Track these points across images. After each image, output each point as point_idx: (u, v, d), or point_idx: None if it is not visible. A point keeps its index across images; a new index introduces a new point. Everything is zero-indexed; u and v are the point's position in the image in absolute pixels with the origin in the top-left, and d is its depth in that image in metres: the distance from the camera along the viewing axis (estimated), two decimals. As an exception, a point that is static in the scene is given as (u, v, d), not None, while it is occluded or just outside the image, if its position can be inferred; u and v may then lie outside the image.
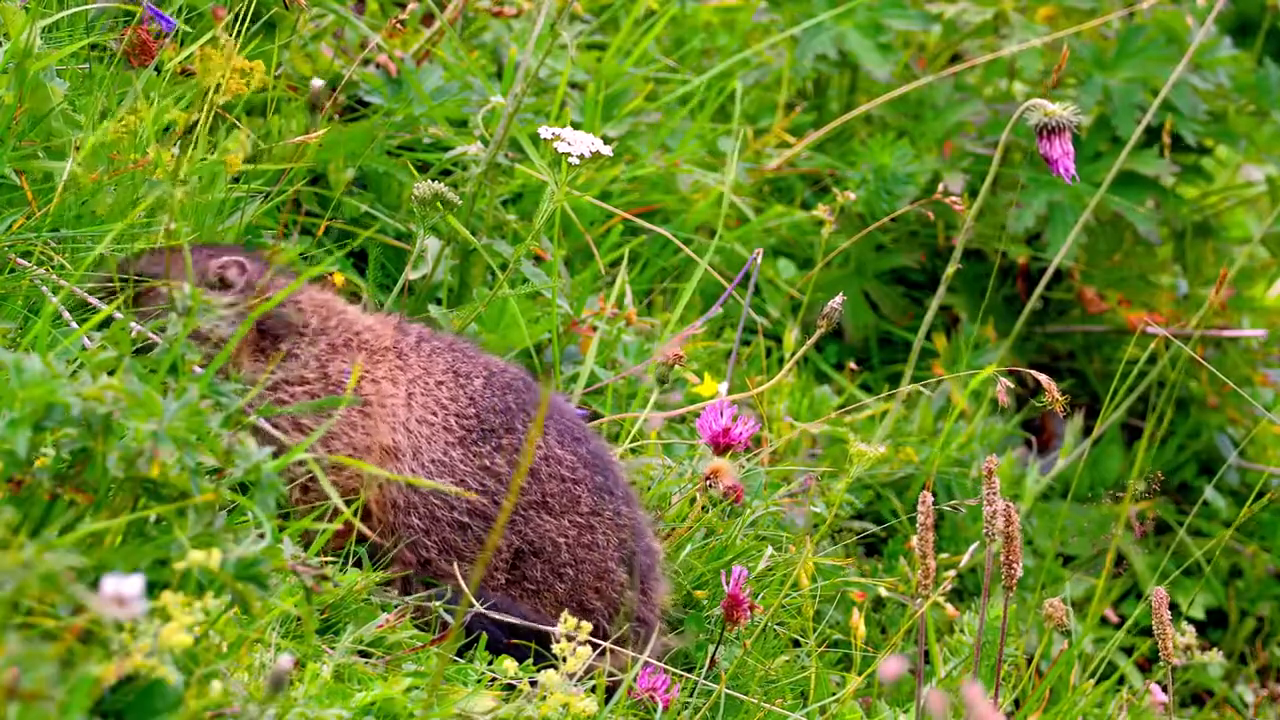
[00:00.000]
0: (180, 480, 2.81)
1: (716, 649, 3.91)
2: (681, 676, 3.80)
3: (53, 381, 2.77)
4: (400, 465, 3.78)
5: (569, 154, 4.16)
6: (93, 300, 3.74)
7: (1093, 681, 4.21)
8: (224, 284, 3.86)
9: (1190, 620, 5.74)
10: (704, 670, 3.91)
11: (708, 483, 4.17)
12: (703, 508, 4.22)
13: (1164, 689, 4.06)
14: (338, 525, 3.60)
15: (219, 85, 4.03)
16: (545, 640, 3.65)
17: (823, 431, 5.15)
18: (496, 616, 3.66)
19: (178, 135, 4.08)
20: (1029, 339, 6.14)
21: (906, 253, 5.96)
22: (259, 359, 3.83)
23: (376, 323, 3.93)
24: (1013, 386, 5.84)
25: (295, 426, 3.77)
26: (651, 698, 3.70)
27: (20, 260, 3.72)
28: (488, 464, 3.78)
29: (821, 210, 5.00)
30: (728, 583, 3.86)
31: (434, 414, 3.81)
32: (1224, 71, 5.85)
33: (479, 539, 3.76)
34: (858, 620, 4.32)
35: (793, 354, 4.66)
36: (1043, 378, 4.27)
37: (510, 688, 3.45)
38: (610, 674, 3.70)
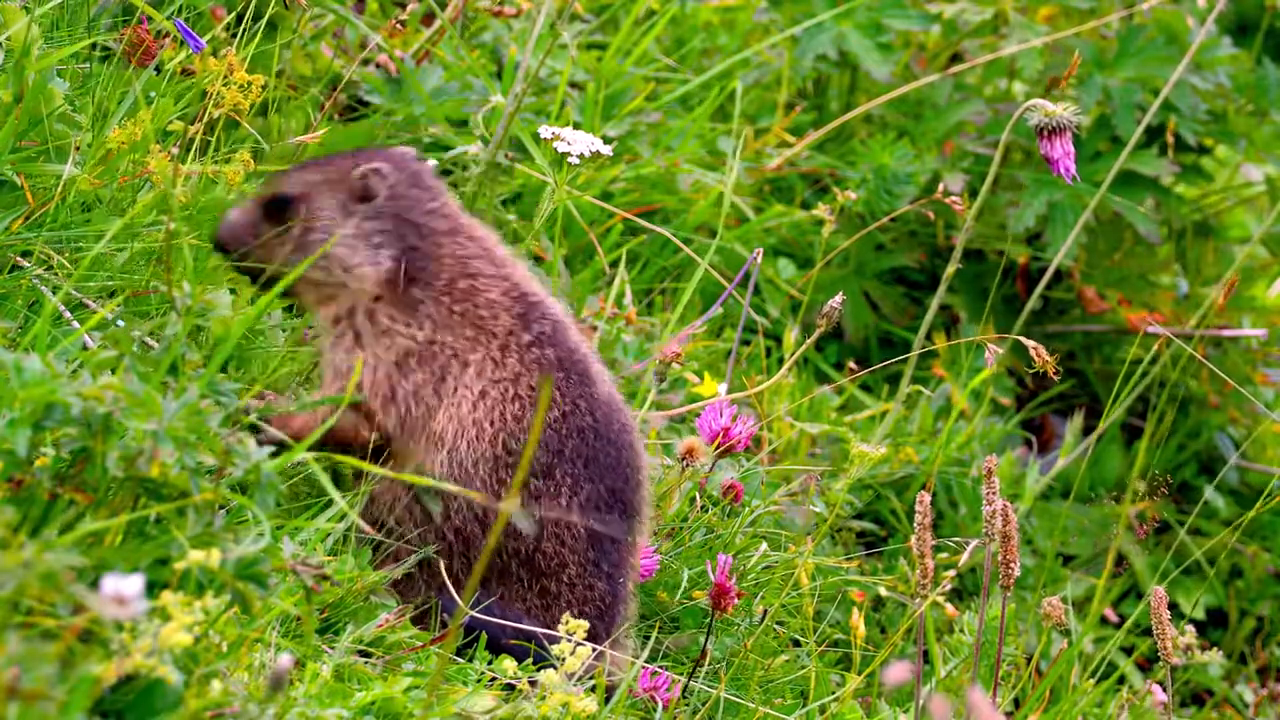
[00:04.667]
0: (180, 480, 2.81)
1: (707, 639, 3.91)
2: (679, 680, 3.80)
3: (53, 381, 2.77)
4: (435, 455, 3.67)
5: (569, 153, 4.16)
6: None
7: (1093, 681, 4.21)
8: (366, 195, 3.72)
9: (1190, 620, 5.74)
10: (695, 663, 3.90)
11: (684, 462, 4.17)
12: (702, 507, 4.23)
13: (1164, 689, 4.06)
14: (334, 524, 3.59)
15: (219, 97, 4.02)
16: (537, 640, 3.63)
17: (823, 431, 5.15)
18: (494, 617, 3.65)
19: (179, 138, 4.09)
20: (1029, 339, 6.14)
21: (906, 252, 5.96)
22: (401, 299, 3.70)
23: (502, 299, 3.74)
24: (1014, 386, 5.84)
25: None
26: (652, 698, 3.70)
27: (21, 260, 3.73)
28: (501, 495, 3.65)
29: (821, 210, 5.00)
30: (713, 572, 3.85)
31: (491, 424, 3.66)
32: (1224, 71, 5.85)
33: (459, 556, 3.69)
34: (857, 620, 4.32)
35: (792, 354, 4.66)
36: (1029, 343, 4.27)
37: (510, 687, 3.45)
38: (610, 673, 3.70)
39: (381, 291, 3.69)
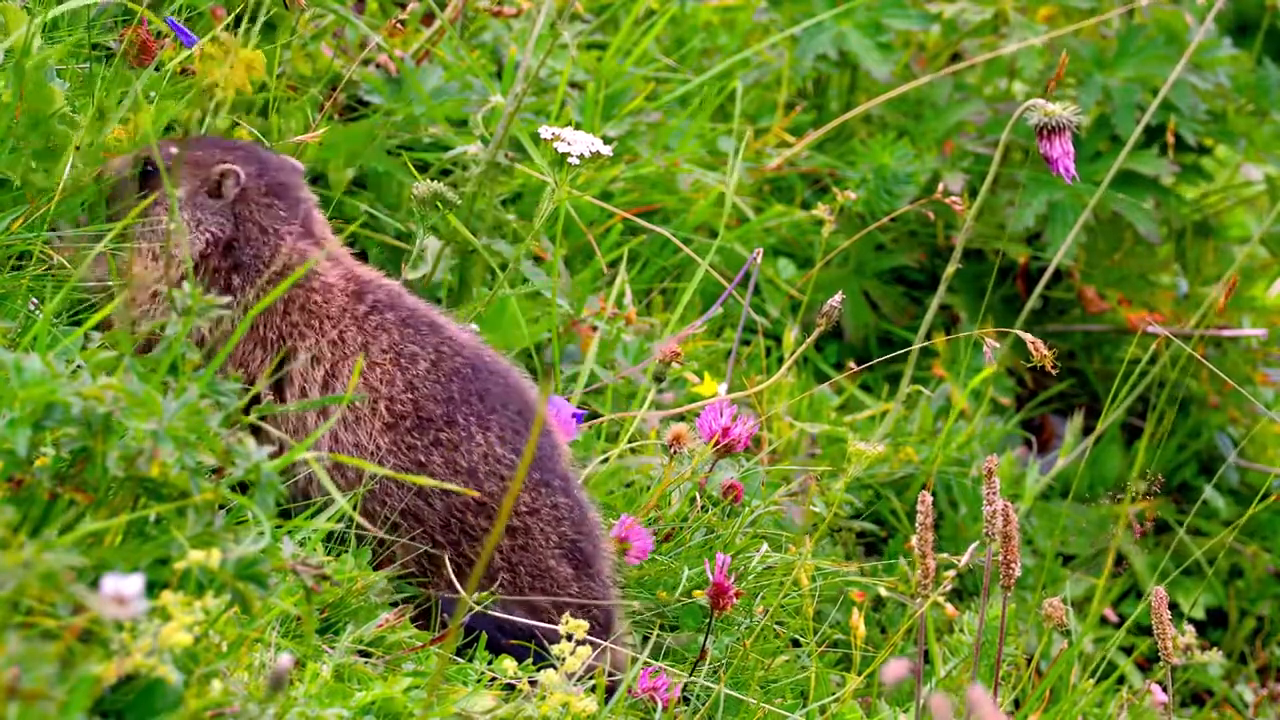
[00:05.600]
0: (180, 480, 2.81)
1: (706, 638, 3.91)
2: (681, 678, 3.80)
3: (53, 381, 2.77)
4: (314, 448, 3.65)
5: (569, 154, 4.16)
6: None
7: (1093, 681, 4.21)
8: (218, 192, 3.77)
9: (1190, 620, 5.74)
10: (695, 663, 3.90)
11: (672, 449, 4.17)
12: (702, 507, 4.23)
13: (1164, 689, 4.06)
14: (332, 524, 3.59)
15: (219, 83, 4.02)
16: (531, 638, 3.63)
17: (822, 432, 5.15)
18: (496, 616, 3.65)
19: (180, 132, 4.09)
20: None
21: (906, 252, 5.96)
22: (216, 280, 3.73)
23: (337, 281, 3.77)
24: (1014, 386, 5.83)
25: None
26: (652, 697, 3.70)
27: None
28: (421, 459, 3.65)
29: (821, 210, 5.00)
30: (712, 571, 3.85)
31: (364, 399, 3.66)
32: (1223, 71, 5.85)
33: (411, 540, 3.67)
34: (858, 620, 4.32)
35: (792, 353, 4.66)
36: (1028, 337, 4.27)
37: (510, 687, 3.45)
38: (610, 673, 3.70)
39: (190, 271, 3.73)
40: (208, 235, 3.73)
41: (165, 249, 3.69)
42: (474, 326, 4.24)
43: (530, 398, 3.80)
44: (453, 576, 3.65)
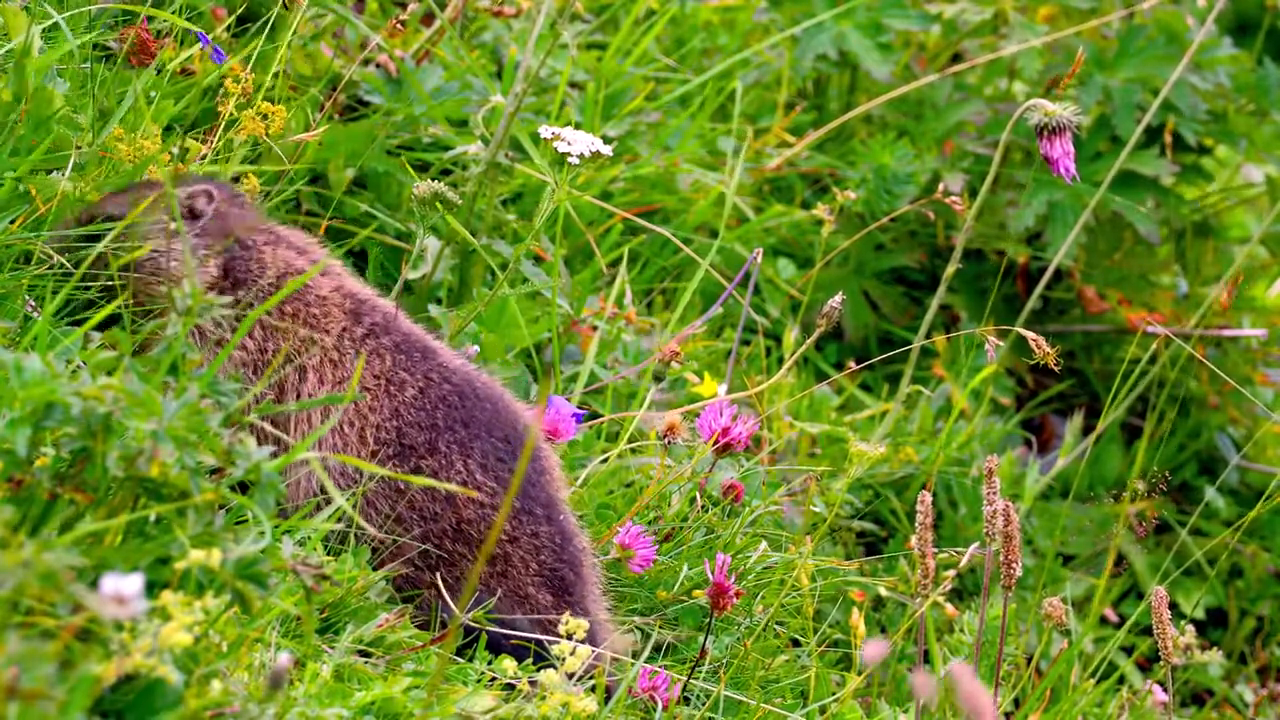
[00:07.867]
0: (180, 480, 2.81)
1: (706, 638, 3.91)
2: (680, 679, 3.80)
3: (53, 381, 2.77)
4: (298, 469, 3.64)
5: (569, 154, 4.16)
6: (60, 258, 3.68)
7: (1093, 681, 4.21)
8: (193, 214, 3.75)
9: (1190, 620, 5.74)
10: (695, 663, 3.90)
11: (665, 440, 4.16)
12: (702, 507, 4.23)
13: (1164, 688, 4.06)
14: (332, 524, 3.59)
15: (236, 121, 4.04)
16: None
17: (822, 432, 5.15)
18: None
19: (180, 142, 4.09)
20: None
21: (906, 252, 5.96)
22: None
23: (332, 296, 3.77)
24: (1014, 386, 5.83)
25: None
26: (651, 697, 3.70)
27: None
28: (401, 486, 3.64)
29: (821, 210, 5.00)
30: (712, 571, 3.84)
31: (350, 423, 3.68)
32: (1224, 71, 5.85)
33: (391, 566, 3.66)
34: (858, 620, 4.32)
35: (792, 353, 4.66)
36: (1030, 335, 4.26)
37: (510, 687, 3.45)
38: (611, 674, 3.70)
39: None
40: (215, 259, 3.74)
41: (184, 281, 3.68)
42: (473, 347, 4.22)
43: (520, 424, 3.78)
44: (441, 591, 3.64)
